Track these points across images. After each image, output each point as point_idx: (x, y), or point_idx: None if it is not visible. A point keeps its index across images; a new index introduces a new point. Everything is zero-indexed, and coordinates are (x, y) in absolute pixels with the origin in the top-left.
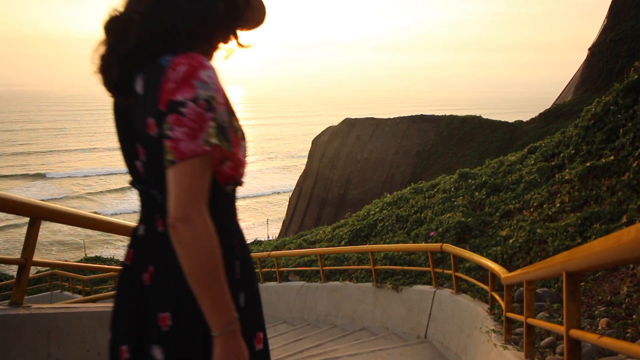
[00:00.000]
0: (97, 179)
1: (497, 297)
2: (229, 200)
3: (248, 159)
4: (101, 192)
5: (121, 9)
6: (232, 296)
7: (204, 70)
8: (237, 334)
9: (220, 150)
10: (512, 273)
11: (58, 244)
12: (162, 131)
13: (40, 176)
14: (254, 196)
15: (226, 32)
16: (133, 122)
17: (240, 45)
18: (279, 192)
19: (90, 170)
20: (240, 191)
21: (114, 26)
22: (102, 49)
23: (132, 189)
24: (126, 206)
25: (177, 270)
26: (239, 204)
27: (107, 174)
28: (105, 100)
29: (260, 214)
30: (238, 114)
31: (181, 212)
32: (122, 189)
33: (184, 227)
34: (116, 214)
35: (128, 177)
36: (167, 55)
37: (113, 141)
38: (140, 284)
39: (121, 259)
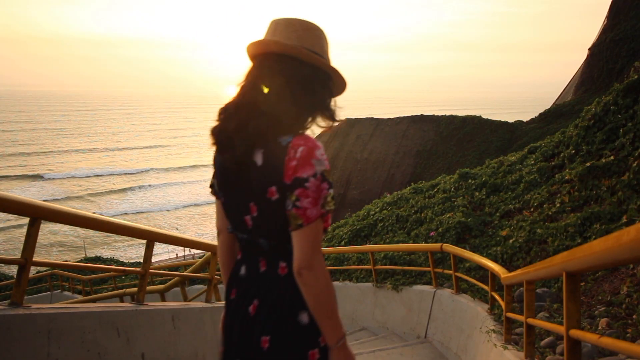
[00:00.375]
0: (96, 179)
1: (497, 297)
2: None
3: None
4: (101, 193)
5: (244, 98)
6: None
7: (317, 150)
8: (347, 345)
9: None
10: (512, 273)
11: (58, 245)
12: (287, 200)
13: (38, 177)
14: None
15: (323, 111)
16: (249, 186)
17: (335, 120)
18: None
19: (90, 171)
20: None
21: (240, 112)
22: (223, 128)
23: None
24: (126, 207)
25: (275, 303)
26: None
27: (106, 175)
28: (104, 101)
29: None
30: None
31: (306, 262)
32: (123, 190)
33: (308, 273)
34: (116, 214)
35: (227, 225)
36: (284, 136)
37: (112, 142)
38: (246, 314)
39: (121, 259)
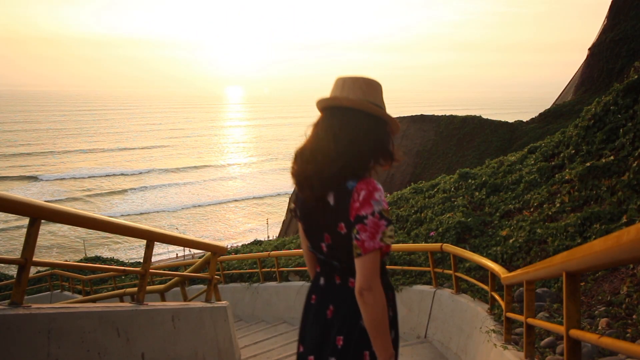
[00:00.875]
0: (96, 180)
1: (497, 297)
2: (384, 266)
3: (250, 161)
4: (101, 193)
5: (319, 144)
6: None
7: (376, 192)
8: None
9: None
10: (512, 273)
11: (58, 247)
12: (351, 233)
13: (38, 178)
14: (254, 197)
15: (385, 154)
16: (324, 220)
17: (394, 160)
18: (279, 194)
19: (90, 171)
20: (240, 192)
21: (316, 156)
22: (301, 170)
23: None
24: (126, 207)
25: (347, 309)
26: (240, 205)
27: (107, 175)
28: (104, 101)
29: (260, 214)
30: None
31: (366, 284)
32: (124, 190)
33: (367, 294)
34: (116, 215)
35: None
36: (350, 180)
37: (112, 142)
38: (324, 317)
39: (121, 259)
